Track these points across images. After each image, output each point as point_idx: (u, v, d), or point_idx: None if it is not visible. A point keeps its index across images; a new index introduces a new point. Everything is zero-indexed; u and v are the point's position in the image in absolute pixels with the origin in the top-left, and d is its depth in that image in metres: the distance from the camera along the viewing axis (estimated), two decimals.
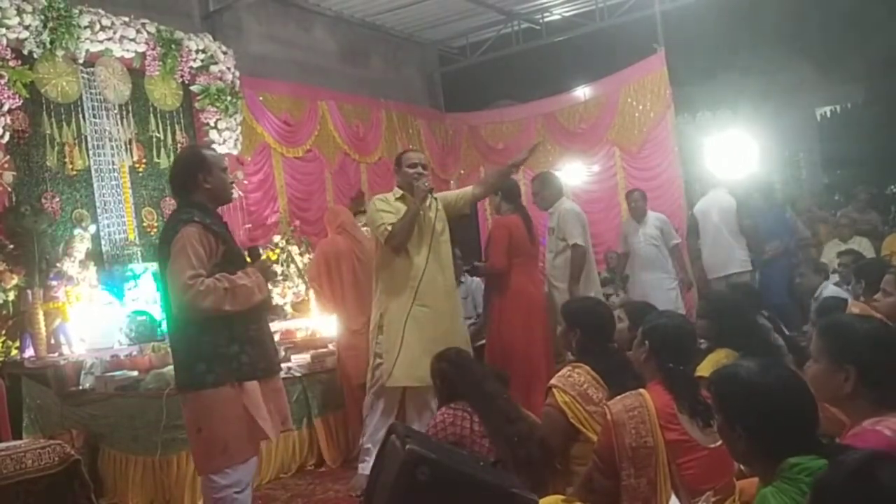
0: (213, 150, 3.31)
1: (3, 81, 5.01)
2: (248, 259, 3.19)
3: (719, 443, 2.09)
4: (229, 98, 6.39)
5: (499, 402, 3.16)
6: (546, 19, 9.08)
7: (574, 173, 8.35)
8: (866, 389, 1.88)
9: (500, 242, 4.99)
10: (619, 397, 2.63)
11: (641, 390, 2.61)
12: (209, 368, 2.87)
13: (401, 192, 4.21)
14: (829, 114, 11.44)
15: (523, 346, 4.91)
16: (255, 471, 3.18)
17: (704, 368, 3.04)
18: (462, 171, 9.37)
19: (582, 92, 8.64)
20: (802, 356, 2.96)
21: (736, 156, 8.01)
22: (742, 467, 2.38)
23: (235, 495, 2.92)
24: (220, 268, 2.91)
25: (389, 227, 4.06)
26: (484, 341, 5.86)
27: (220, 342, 2.89)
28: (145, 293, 5.42)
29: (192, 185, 3.03)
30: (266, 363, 3.05)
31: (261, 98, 7.09)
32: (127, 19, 5.74)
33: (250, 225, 6.72)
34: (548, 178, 5.82)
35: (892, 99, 12.03)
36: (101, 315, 5.11)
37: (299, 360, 5.03)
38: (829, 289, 5.67)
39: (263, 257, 3.22)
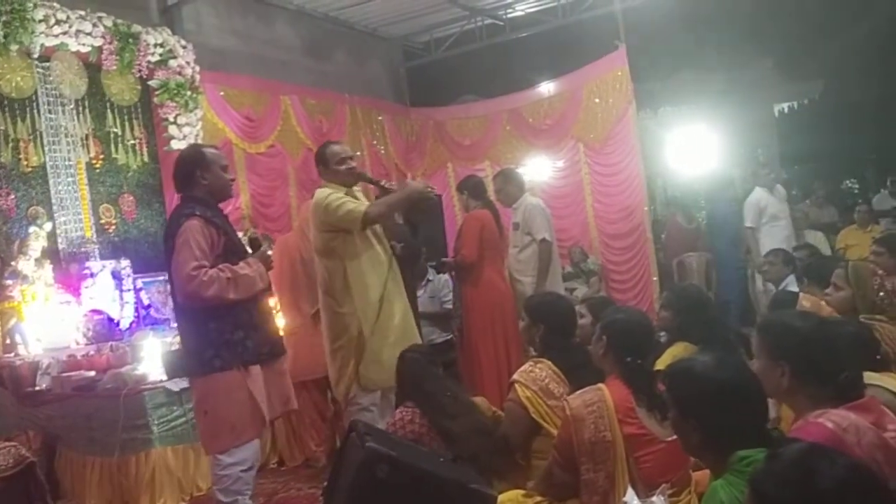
0: (216, 148, 3.47)
1: None
2: (250, 249, 3.32)
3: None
4: (189, 93, 6.26)
5: (438, 399, 3.16)
6: (509, 15, 9.09)
7: (540, 169, 8.38)
8: (801, 386, 1.93)
9: (472, 234, 5.05)
10: (578, 392, 2.65)
11: (600, 385, 2.63)
12: (217, 354, 3.05)
13: (331, 190, 3.86)
14: (786, 110, 11.61)
15: (496, 339, 4.93)
16: (259, 452, 3.33)
17: (664, 362, 3.07)
18: (429, 162, 9.31)
19: (546, 88, 8.66)
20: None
21: (697, 151, 8.14)
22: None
23: (241, 473, 3.09)
24: (222, 259, 3.09)
25: (363, 209, 3.71)
26: (449, 335, 5.90)
27: (226, 329, 3.07)
28: (103, 292, 5.32)
29: (192, 182, 3.19)
30: (269, 347, 3.22)
31: (221, 93, 6.97)
32: (83, 13, 5.59)
33: None
34: (510, 175, 5.87)
35: (847, 96, 12.31)
36: (57, 314, 5.00)
37: None
38: (794, 282, 5.73)
39: (264, 247, 3.32)
